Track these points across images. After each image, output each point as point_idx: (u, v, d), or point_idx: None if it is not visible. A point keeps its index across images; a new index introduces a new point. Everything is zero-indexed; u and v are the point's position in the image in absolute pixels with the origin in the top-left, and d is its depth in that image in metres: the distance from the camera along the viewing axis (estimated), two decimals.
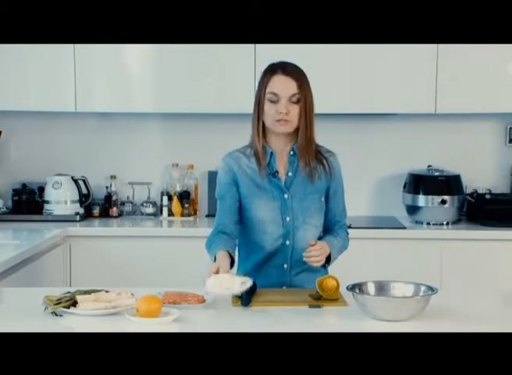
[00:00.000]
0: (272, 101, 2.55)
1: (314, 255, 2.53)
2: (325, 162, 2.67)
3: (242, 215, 2.69)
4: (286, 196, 2.65)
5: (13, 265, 3.23)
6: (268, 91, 2.56)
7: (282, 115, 2.54)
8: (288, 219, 2.65)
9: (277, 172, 2.66)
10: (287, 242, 2.65)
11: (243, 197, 2.67)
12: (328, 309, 2.40)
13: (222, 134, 4.40)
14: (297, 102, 2.56)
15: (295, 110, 2.56)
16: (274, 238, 2.65)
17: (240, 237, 2.71)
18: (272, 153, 2.65)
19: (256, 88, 2.65)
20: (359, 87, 4.13)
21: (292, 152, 2.66)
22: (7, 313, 2.36)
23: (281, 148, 2.66)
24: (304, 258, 2.54)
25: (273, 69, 2.59)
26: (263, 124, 2.62)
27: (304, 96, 2.56)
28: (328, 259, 2.65)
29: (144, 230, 4.12)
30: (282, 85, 2.55)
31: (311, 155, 2.63)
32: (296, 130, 2.62)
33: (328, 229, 2.75)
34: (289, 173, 2.66)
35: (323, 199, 2.69)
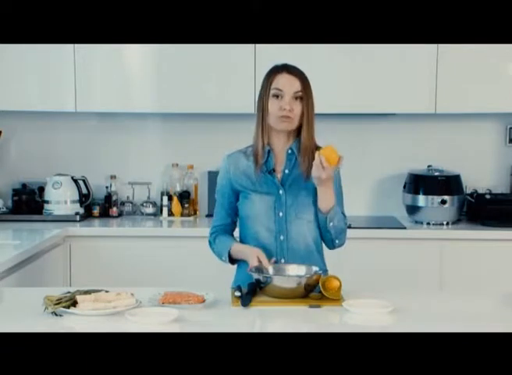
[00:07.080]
0: (276, 97, 2.59)
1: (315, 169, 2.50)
2: None
3: (239, 212, 2.74)
4: (280, 192, 2.67)
5: (13, 265, 3.23)
6: (273, 86, 2.60)
7: (286, 111, 2.58)
8: (281, 214, 2.67)
9: (273, 170, 2.68)
10: (281, 237, 2.67)
11: (238, 194, 2.71)
12: (328, 309, 2.40)
13: (222, 134, 4.40)
14: (301, 100, 2.59)
15: (298, 108, 2.59)
16: (268, 233, 2.67)
17: (239, 233, 2.75)
18: (269, 151, 2.67)
19: (259, 88, 2.66)
20: (359, 87, 4.13)
21: (290, 151, 2.68)
22: (7, 313, 2.36)
23: (280, 147, 2.69)
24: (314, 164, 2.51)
25: (278, 69, 2.64)
26: (266, 124, 2.64)
27: (307, 95, 2.60)
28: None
29: (144, 230, 4.12)
30: (287, 82, 2.59)
31: (312, 154, 2.62)
32: (296, 129, 2.65)
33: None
34: (286, 171, 2.69)
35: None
